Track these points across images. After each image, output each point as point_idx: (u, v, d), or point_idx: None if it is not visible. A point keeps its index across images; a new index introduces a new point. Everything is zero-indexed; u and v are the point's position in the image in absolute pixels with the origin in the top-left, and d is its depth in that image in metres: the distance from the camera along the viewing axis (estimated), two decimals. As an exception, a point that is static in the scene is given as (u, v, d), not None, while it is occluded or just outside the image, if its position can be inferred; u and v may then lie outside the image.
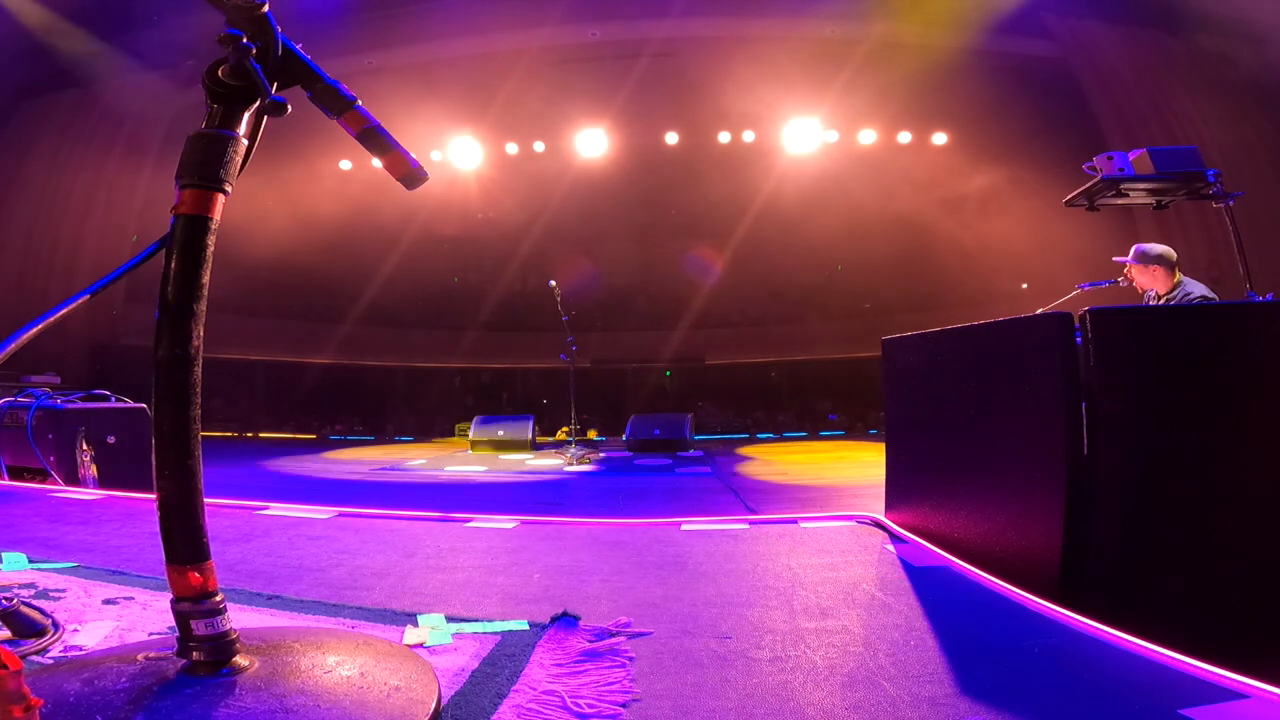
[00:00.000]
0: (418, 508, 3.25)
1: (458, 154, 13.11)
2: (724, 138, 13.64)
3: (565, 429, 12.13)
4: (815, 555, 2.32)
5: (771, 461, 9.07)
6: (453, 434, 14.97)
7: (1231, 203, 3.67)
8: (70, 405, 4.55)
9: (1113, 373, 2.03)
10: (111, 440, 4.52)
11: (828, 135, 12.95)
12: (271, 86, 1.13)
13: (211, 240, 1.15)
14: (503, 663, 1.42)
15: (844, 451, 10.35)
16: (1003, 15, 9.99)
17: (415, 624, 1.64)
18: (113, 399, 4.85)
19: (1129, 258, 4.24)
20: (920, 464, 2.89)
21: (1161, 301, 4.13)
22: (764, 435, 14.95)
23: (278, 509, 3.18)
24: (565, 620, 1.66)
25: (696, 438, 11.24)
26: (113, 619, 1.64)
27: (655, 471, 7.78)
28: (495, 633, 1.60)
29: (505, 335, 17.44)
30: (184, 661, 1.14)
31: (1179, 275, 4.18)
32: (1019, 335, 2.29)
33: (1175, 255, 4.21)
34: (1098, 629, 1.60)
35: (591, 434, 13.39)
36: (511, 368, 18.34)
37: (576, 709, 1.23)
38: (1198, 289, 4.05)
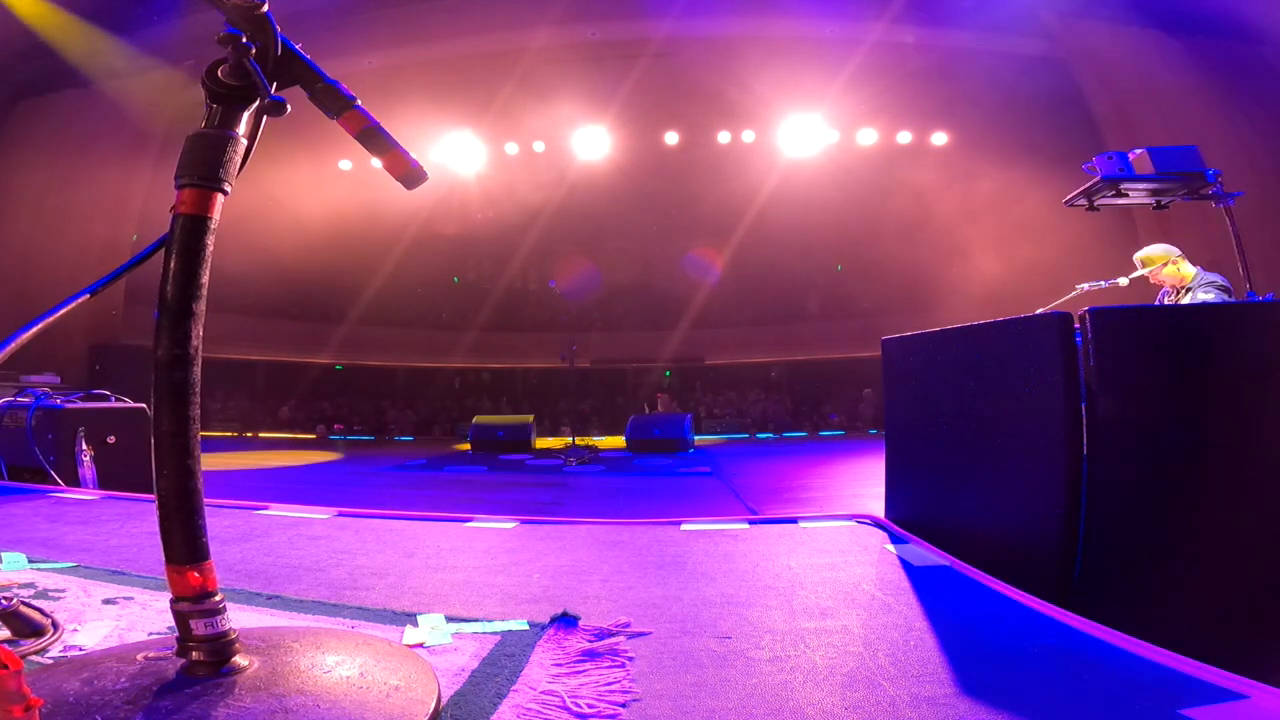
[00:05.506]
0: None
1: (458, 154, 13.11)
2: (724, 138, 13.64)
3: (566, 429, 12.15)
4: (815, 555, 2.32)
5: (771, 461, 9.07)
6: (453, 434, 14.98)
7: (1231, 203, 3.67)
8: (70, 405, 4.54)
9: (1113, 373, 2.03)
10: (111, 440, 4.52)
11: (828, 135, 12.94)
12: (271, 86, 1.13)
13: (211, 240, 1.15)
14: (502, 663, 1.42)
15: (843, 451, 10.34)
16: (1003, 14, 9.99)
17: (415, 624, 1.64)
18: (112, 399, 4.85)
19: (1146, 270, 4.32)
20: (920, 464, 2.89)
21: (1184, 289, 4.21)
22: (764, 435, 14.96)
23: (277, 509, 3.18)
24: (565, 620, 1.66)
25: (696, 437, 11.25)
26: (112, 619, 1.64)
27: (655, 471, 7.78)
28: (495, 633, 1.60)
29: (505, 335, 17.45)
30: (183, 661, 1.14)
31: (1194, 267, 4.26)
32: (1019, 335, 2.29)
33: (1174, 248, 4.34)
34: (1098, 629, 1.60)
35: (590, 440, 13.38)
36: (511, 368, 18.35)
37: (576, 709, 1.23)
38: (1218, 281, 4.09)
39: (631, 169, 14.14)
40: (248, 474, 7.86)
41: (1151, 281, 4.38)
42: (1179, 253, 4.31)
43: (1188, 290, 4.22)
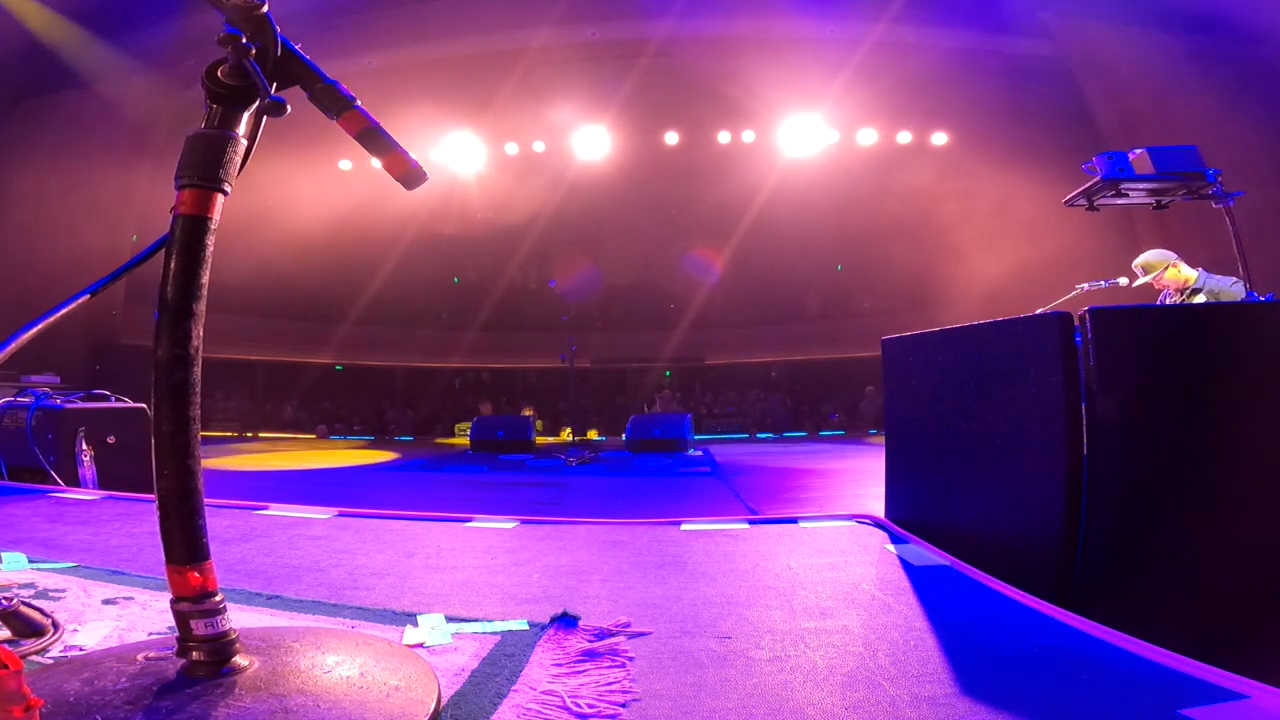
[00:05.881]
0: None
1: (458, 154, 13.11)
2: (724, 138, 13.64)
3: (566, 429, 12.16)
4: (815, 555, 2.32)
5: (771, 461, 9.07)
6: (453, 434, 14.98)
7: (1231, 203, 3.67)
8: (70, 405, 4.54)
9: (1113, 373, 2.03)
10: (111, 440, 4.52)
11: (828, 135, 12.94)
12: (271, 86, 1.13)
13: (211, 240, 1.15)
14: (502, 663, 1.42)
15: (843, 451, 10.34)
16: (1003, 14, 10.01)
17: (415, 624, 1.64)
18: (112, 399, 4.85)
19: (1148, 276, 4.37)
20: (920, 464, 2.89)
21: (1189, 290, 4.25)
22: (764, 435, 14.95)
23: (277, 509, 3.18)
24: (565, 620, 1.66)
25: (696, 437, 11.25)
26: (112, 619, 1.64)
27: (655, 471, 7.78)
28: (495, 633, 1.60)
29: (505, 335, 17.45)
30: (184, 661, 1.14)
31: (1194, 269, 4.30)
32: (1019, 335, 2.29)
33: (1170, 252, 4.41)
34: (1098, 629, 1.60)
35: (592, 434, 13.39)
36: (511, 368, 18.35)
37: (576, 709, 1.23)
38: (1238, 281, 4.11)
39: (631, 169, 14.14)
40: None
41: (1156, 286, 4.43)
42: (1176, 256, 4.36)
43: (1195, 291, 4.26)
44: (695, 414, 13.30)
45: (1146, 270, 4.39)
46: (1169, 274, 4.33)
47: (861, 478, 6.56)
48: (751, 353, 17.46)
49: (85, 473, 4.32)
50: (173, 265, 1.13)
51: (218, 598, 1.15)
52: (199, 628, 1.13)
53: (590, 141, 13.12)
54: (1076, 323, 2.09)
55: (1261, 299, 3.60)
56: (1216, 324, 2.17)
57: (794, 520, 2.85)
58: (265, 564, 2.24)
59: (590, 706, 1.23)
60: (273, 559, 2.31)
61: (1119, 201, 4.00)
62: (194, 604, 1.13)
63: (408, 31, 11.13)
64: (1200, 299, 4.21)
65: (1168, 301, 4.41)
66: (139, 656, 1.21)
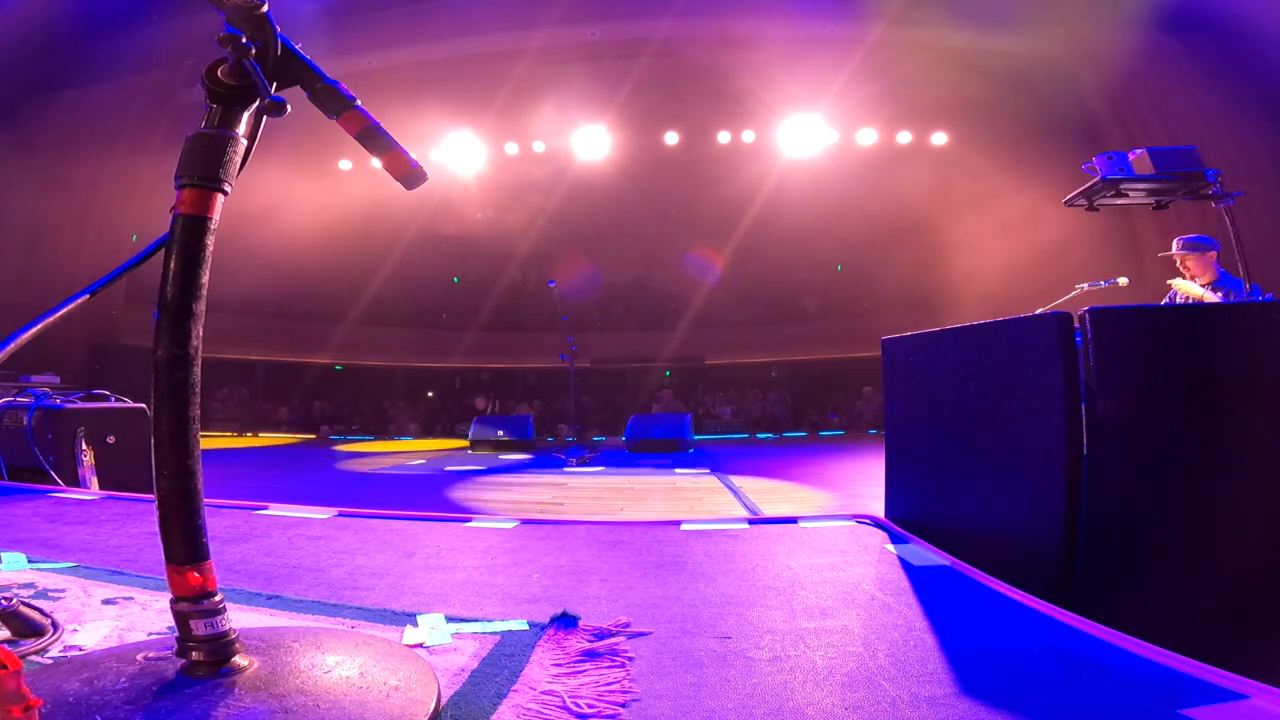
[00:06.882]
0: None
1: (458, 154, 13.10)
2: (724, 138, 13.63)
3: (565, 429, 12.15)
4: (815, 555, 2.32)
5: (770, 461, 9.07)
6: (453, 434, 14.98)
7: (1231, 203, 3.67)
8: (70, 405, 4.54)
9: (1113, 373, 2.03)
10: (111, 440, 4.52)
11: (828, 135, 12.93)
12: (271, 86, 1.13)
13: (211, 240, 1.15)
14: (502, 663, 1.42)
15: (843, 451, 10.34)
16: (1003, 15, 10.01)
17: (415, 624, 1.64)
18: (112, 399, 4.85)
19: (1184, 250, 4.30)
20: (920, 464, 2.89)
21: (1209, 284, 4.23)
22: (764, 435, 14.95)
23: (277, 509, 3.18)
24: (565, 620, 1.66)
25: (696, 437, 11.25)
26: (112, 619, 1.64)
27: (655, 471, 7.77)
28: (495, 633, 1.60)
29: (505, 335, 17.44)
30: (183, 661, 1.14)
31: (1219, 268, 4.28)
32: (1019, 335, 2.29)
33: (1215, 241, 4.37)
34: (1098, 629, 1.60)
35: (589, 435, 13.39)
36: (511, 368, 18.34)
37: (576, 709, 1.23)
38: (1241, 287, 4.08)
39: (631, 169, 14.13)
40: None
41: (1179, 266, 4.36)
42: (1219, 246, 4.29)
43: (1215, 287, 4.24)
44: (695, 414, 13.30)
45: (1190, 248, 4.29)
46: (1205, 259, 4.26)
47: (861, 478, 6.57)
48: (751, 353, 17.45)
49: (85, 473, 4.33)
50: (172, 265, 1.13)
51: (217, 598, 1.15)
52: (198, 628, 1.13)
53: (590, 141, 13.11)
54: (1076, 323, 2.09)
55: (1262, 299, 3.60)
56: (1216, 324, 2.17)
57: (794, 520, 2.86)
58: (265, 564, 2.24)
59: (590, 706, 1.23)
60: (273, 559, 2.31)
61: (1119, 202, 4.00)
62: (193, 604, 1.13)
63: (408, 31, 11.12)
64: (1214, 297, 4.19)
65: (1178, 298, 4.40)
66: (139, 656, 1.21)
